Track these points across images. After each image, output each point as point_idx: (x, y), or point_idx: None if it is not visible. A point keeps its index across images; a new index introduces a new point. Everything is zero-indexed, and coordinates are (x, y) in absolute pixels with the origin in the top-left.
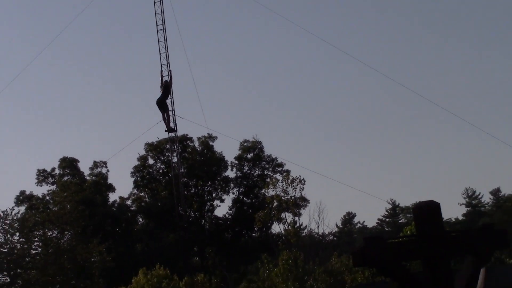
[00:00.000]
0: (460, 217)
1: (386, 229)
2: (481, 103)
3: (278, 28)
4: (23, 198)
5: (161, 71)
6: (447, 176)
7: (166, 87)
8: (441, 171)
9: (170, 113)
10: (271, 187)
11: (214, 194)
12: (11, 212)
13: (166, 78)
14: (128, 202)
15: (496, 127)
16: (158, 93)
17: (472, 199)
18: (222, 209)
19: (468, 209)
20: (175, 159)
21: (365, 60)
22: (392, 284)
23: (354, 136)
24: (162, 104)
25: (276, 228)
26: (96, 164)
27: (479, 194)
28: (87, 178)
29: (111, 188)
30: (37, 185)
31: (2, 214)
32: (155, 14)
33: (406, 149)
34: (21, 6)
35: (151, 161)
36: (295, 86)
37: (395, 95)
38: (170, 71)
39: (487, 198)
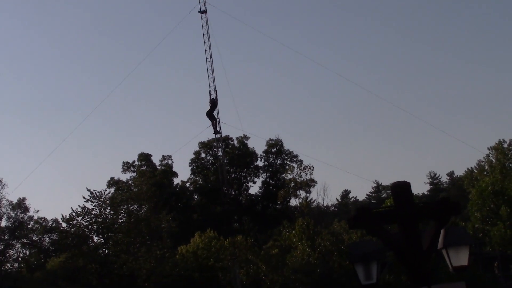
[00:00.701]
0: (426, 193)
1: (373, 201)
2: (451, 111)
3: (289, 61)
4: (112, 182)
5: (210, 91)
6: (417, 162)
7: (213, 103)
8: (412, 159)
9: (217, 121)
10: (289, 173)
11: (248, 178)
12: (104, 192)
13: (213, 96)
14: (187, 185)
15: (454, 128)
16: (207, 106)
17: (433, 179)
18: (254, 188)
19: (431, 186)
20: (220, 153)
21: (357, 80)
22: (377, 241)
23: (350, 134)
24: (210, 115)
25: (293, 202)
26: (164, 157)
27: (439, 175)
28: (158, 167)
29: (175, 174)
30: (122, 173)
31: (98, 194)
32: (205, 50)
33: (388, 143)
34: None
35: (203, 155)
36: (302, 100)
37: (378, 106)
38: (216, 91)
39: (445, 178)
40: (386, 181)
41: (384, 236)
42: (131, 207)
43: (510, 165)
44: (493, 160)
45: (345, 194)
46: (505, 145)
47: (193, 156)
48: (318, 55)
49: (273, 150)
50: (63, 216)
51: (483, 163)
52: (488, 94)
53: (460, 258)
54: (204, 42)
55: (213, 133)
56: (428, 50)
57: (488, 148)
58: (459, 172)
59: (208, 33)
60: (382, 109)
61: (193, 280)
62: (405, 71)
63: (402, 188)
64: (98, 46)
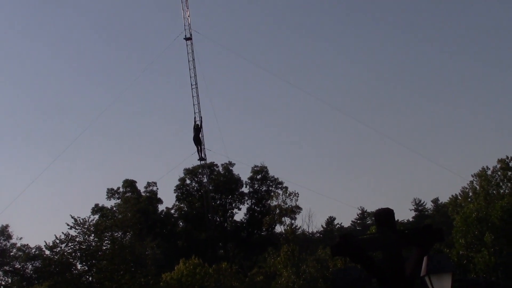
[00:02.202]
0: (411, 219)
1: (358, 228)
2: (435, 138)
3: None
4: (97, 209)
5: (194, 117)
6: (401, 189)
7: (197, 129)
8: (397, 186)
9: (202, 147)
10: (274, 199)
11: (233, 205)
12: (88, 219)
13: (197, 122)
14: (172, 211)
15: (438, 155)
16: (192, 133)
17: (418, 205)
18: (239, 215)
19: (416, 213)
20: (205, 180)
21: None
22: (361, 268)
23: (335, 161)
24: (195, 140)
25: (279, 228)
26: (149, 184)
27: (423, 202)
28: (143, 194)
29: (160, 201)
30: (107, 199)
31: (82, 221)
32: (190, 77)
33: (373, 170)
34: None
35: (188, 181)
36: (286, 127)
37: (363, 134)
38: (201, 117)
39: (429, 205)
40: (371, 207)
41: (367, 263)
42: (116, 234)
43: (494, 192)
44: (477, 187)
45: (330, 220)
46: (489, 172)
47: (178, 182)
48: (303, 82)
49: (258, 177)
50: (46, 243)
51: (467, 190)
52: (472, 122)
53: (443, 285)
54: (189, 69)
55: (198, 159)
56: (412, 77)
57: (472, 175)
58: (444, 198)
59: (193, 60)
60: (367, 137)
61: None
62: (390, 98)
63: (385, 215)
64: (83, 72)
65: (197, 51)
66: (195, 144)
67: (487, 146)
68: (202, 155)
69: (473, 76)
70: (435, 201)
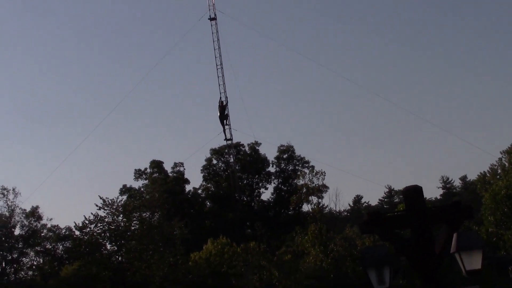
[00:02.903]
0: (438, 197)
1: (385, 206)
2: (463, 115)
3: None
4: (124, 189)
5: (220, 97)
6: (429, 167)
7: (222, 107)
8: (424, 164)
9: (227, 127)
10: (301, 178)
11: (260, 184)
12: (117, 200)
13: (223, 101)
14: (199, 191)
15: (467, 132)
16: (217, 112)
17: (446, 183)
18: (266, 195)
19: (444, 191)
20: (231, 160)
21: (368, 84)
22: (390, 246)
23: (362, 139)
24: (221, 119)
25: (306, 207)
26: (176, 165)
27: (451, 180)
28: (170, 174)
29: (187, 181)
30: (134, 180)
31: (110, 201)
32: (215, 57)
33: (400, 148)
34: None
35: (215, 162)
36: (313, 106)
37: (390, 111)
38: (226, 97)
39: (457, 183)
40: (399, 186)
41: (396, 240)
42: (144, 214)
43: None
44: (506, 164)
45: (358, 199)
46: None
47: (204, 163)
48: (330, 61)
49: (284, 156)
50: (76, 224)
51: (496, 167)
52: (501, 98)
53: (473, 262)
54: (214, 49)
55: (224, 139)
56: (442, 53)
57: (500, 152)
58: (472, 176)
59: (218, 40)
60: (395, 114)
61: (206, 287)
62: (418, 75)
63: (414, 193)
64: (109, 53)
65: (222, 31)
66: (221, 123)
67: None
68: (228, 135)
69: (504, 52)
70: (463, 178)
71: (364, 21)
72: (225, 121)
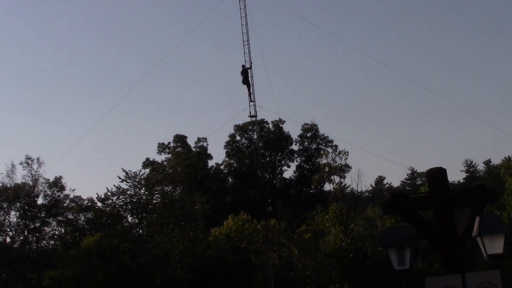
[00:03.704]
0: (461, 180)
1: (407, 188)
2: (489, 98)
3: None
4: (147, 163)
5: (243, 65)
6: (453, 150)
7: (245, 71)
8: (448, 147)
9: (251, 103)
10: (324, 157)
11: (282, 162)
12: (139, 173)
13: (246, 66)
14: (222, 167)
15: (492, 116)
16: (244, 90)
17: (470, 167)
18: (289, 172)
19: (467, 174)
20: (255, 137)
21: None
22: (411, 228)
23: (386, 120)
24: (245, 82)
25: (327, 186)
26: (199, 140)
27: (475, 164)
28: (193, 149)
29: (210, 157)
30: (157, 154)
31: (133, 174)
32: (242, 33)
33: (424, 130)
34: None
35: (238, 138)
36: (338, 85)
37: (416, 92)
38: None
39: (481, 167)
40: (421, 168)
41: (418, 222)
42: (166, 188)
43: None
44: None
45: (380, 180)
46: None
47: (228, 139)
48: (357, 40)
49: (308, 135)
50: (98, 196)
51: None
52: None
53: (495, 246)
54: (241, 25)
55: (249, 115)
56: (472, 37)
57: None
58: (496, 160)
59: (245, 15)
60: (420, 96)
61: (225, 262)
62: (445, 57)
63: (437, 175)
64: (138, 27)
65: (249, 7)
66: (247, 87)
67: None
68: (253, 111)
69: None
70: (487, 162)
71: (404, 2)
72: (249, 87)
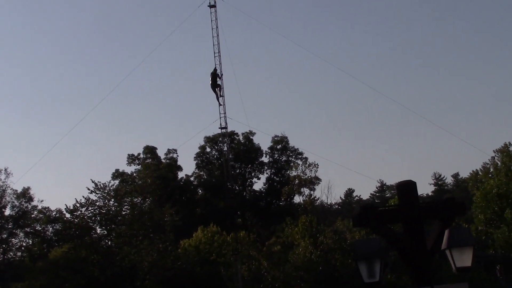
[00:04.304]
0: (430, 193)
1: (377, 201)
2: (457, 112)
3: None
4: (117, 174)
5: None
6: (422, 163)
7: (214, 75)
8: (417, 160)
9: (222, 115)
10: (294, 170)
11: (252, 174)
12: (109, 184)
13: (217, 70)
14: (191, 179)
15: (461, 129)
16: (214, 101)
17: (438, 180)
18: (258, 184)
19: (435, 187)
20: (225, 148)
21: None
22: (381, 240)
23: (356, 133)
24: (213, 86)
25: (297, 199)
26: (169, 151)
27: (443, 177)
28: (163, 161)
29: (180, 168)
30: (127, 165)
31: (102, 185)
32: (213, 45)
33: (394, 142)
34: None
35: (208, 149)
36: (308, 97)
37: (385, 106)
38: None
39: (449, 180)
40: (391, 180)
41: (388, 235)
42: (135, 200)
43: None
44: (499, 162)
45: (349, 192)
46: (511, 148)
47: (198, 150)
48: (326, 53)
49: (278, 147)
50: (67, 207)
51: (488, 166)
52: (496, 96)
53: (464, 259)
54: (213, 37)
55: (219, 127)
56: (436, 50)
57: (494, 151)
58: (464, 174)
59: (216, 27)
60: (389, 109)
61: (194, 274)
62: (412, 71)
63: (408, 187)
64: (105, 39)
65: (221, 18)
66: (216, 91)
67: (510, 122)
68: (223, 123)
69: (499, 52)
70: (456, 176)
71: (361, 14)
72: (217, 90)
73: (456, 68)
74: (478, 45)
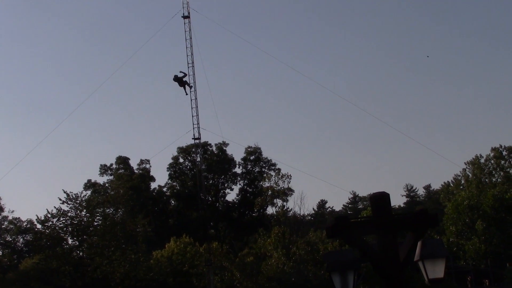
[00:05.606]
0: (402, 205)
1: (349, 212)
2: (429, 124)
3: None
4: (89, 184)
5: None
6: (394, 174)
7: (178, 79)
8: (389, 171)
9: (195, 126)
10: (267, 181)
11: (225, 185)
12: (80, 194)
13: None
14: (164, 189)
15: (432, 141)
16: (188, 112)
17: (410, 191)
18: (231, 195)
19: (407, 199)
20: (198, 159)
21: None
22: (354, 251)
23: (329, 144)
24: (177, 81)
25: (270, 210)
26: (142, 161)
27: (415, 188)
28: (136, 171)
29: (152, 179)
30: (100, 175)
31: (74, 196)
32: (187, 55)
33: (366, 154)
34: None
35: (181, 160)
36: (282, 108)
37: (358, 117)
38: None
39: (421, 191)
40: (363, 192)
41: (362, 246)
42: (107, 210)
43: (486, 180)
44: (470, 174)
45: (322, 204)
46: (482, 160)
47: (171, 161)
48: (300, 64)
49: (251, 158)
50: (38, 217)
51: (459, 178)
52: (467, 109)
53: (436, 270)
54: (186, 48)
55: (192, 138)
56: (408, 61)
57: (465, 163)
58: (436, 185)
59: (190, 38)
60: (362, 120)
61: (167, 285)
62: (386, 83)
63: (381, 199)
64: (77, 48)
65: (195, 30)
66: (179, 84)
67: (481, 134)
68: (196, 135)
69: (470, 64)
70: (427, 187)
71: (332, 25)
72: (185, 87)
73: (429, 80)
74: (451, 57)
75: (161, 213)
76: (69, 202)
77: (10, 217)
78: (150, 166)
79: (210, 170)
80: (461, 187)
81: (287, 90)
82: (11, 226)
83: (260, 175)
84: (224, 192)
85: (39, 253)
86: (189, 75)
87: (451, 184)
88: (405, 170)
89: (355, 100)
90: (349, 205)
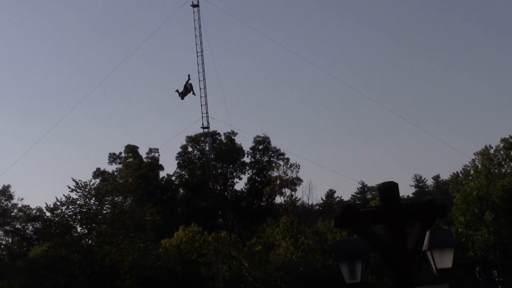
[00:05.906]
0: (411, 195)
1: (358, 202)
2: (439, 114)
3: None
4: (98, 173)
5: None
6: (403, 164)
7: (186, 88)
8: (398, 161)
9: (204, 115)
10: (275, 170)
11: (234, 174)
12: (89, 183)
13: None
14: (173, 178)
15: (442, 132)
16: (196, 100)
17: (419, 182)
18: (240, 185)
19: (416, 189)
20: (207, 148)
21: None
22: (362, 241)
23: (338, 134)
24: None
25: (278, 199)
26: (151, 150)
27: (424, 179)
28: (144, 160)
29: (161, 168)
30: (108, 164)
31: (83, 184)
32: (196, 44)
33: (375, 144)
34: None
35: (190, 149)
36: (291, 98)
37: (367, 107)
38: (205, 87)
39: (430, 182)
40: (372, 182)
41: (370, 236)
42: (116, 199)
43: (495, 170)
44: (479, 165)
45: (330, 193)
46: (491, 151)
47: (180, 150)
48: (309, 53)
49: (260, 147)
50: (47, 205)
51: (468, 168)
52: (477, 100)
53: (444, 260)
54: (196, 36)
55: (201, 127)
56: (419, 53)
57: (474, 153)
58: (445, 176)
59: (199, 27)
60: (371, 110)
61: (175, 274)
62: (395, 73)
63: (389, 189)
64: (87, 38)
65: (204, 19)
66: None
67: (491, 125)
68: (205, 124)
69: (481, 54)
70: (436, 178)
71: (344, 16)
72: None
73: (438, 70)
74: (460, 48)
75: (169, 201)
76: (78, 190)
77: (19, 205)
78: (159, 155)
79: (218, 159)
80: (470, 177)
81: (296, 80)
82: (21, 213)
83: (269, 164)
84: (232, 181)
85: (48, 241)
86: (198, 64)
87: (460, 175)
88: (414, 160)
89: (364, 90)
90: (358, 195)
